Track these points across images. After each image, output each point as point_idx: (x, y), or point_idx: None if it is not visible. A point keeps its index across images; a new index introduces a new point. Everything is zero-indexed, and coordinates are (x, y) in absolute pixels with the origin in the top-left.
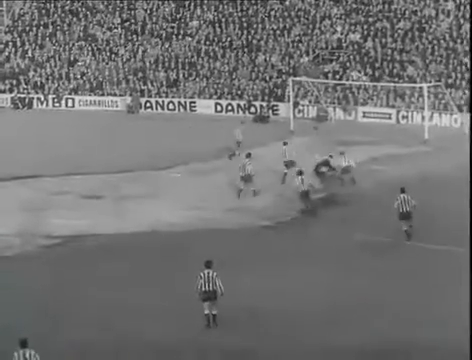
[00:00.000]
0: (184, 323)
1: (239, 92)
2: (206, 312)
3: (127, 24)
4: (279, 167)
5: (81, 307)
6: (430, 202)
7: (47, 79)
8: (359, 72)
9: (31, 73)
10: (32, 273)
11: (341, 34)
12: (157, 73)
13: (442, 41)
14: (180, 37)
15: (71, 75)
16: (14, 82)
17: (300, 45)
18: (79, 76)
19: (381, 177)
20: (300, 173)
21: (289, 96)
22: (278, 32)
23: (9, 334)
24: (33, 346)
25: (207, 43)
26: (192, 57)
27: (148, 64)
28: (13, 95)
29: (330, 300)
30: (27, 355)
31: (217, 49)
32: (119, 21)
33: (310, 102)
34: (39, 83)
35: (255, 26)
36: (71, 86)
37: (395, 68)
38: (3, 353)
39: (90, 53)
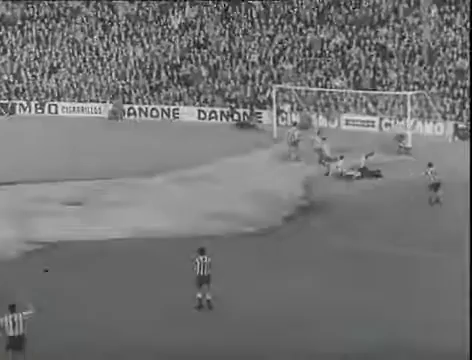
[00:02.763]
0: (166, 328)
1: (222, 99)
2: (199, 295)
3: (109, 27)
4: (261, 176)
5: (61, 312)
6: (414, 209)
7: (27, 84)
8: (342, 79)
9: (11, 78)
10: (12, 278)
11: (324, 41)
12: (140, 79)
13: (425, 49)
14: (162, 42)
15: (53, 81)
16: None
17: (283, 52)
18: (62, 82)
19: (363, 184)
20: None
21: (272, 103)
22: (261, 39)
23: None
24: None
25: (190, 49)
26: (174, 61)
27: (129, 70)
28: None
29: (312, 307)
30: (15, 319)
31: (200, 55)
32: (101, 25)
33: (293, 109)
34: (21, 89)
35: (238, 32)
36: (54, 92)
37: (378, 75)
38: None
39: (73, 58)
